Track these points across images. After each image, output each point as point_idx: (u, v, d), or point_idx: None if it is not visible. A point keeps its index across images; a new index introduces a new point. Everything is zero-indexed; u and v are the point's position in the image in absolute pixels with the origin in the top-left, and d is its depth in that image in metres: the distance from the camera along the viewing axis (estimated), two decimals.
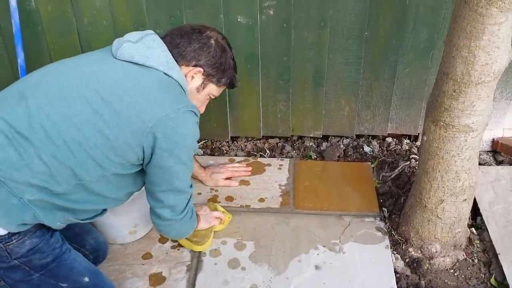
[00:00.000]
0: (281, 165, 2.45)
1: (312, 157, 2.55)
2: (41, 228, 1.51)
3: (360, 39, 2.26)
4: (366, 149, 2.55)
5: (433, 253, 1.93)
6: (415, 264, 1.94)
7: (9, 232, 1.41)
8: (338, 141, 2.61)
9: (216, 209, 2.10)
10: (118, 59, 1.55)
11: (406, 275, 1.93)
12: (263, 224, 2.11)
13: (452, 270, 1.94)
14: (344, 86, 2.40)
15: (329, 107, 2.49)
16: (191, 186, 1.71)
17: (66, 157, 1.42)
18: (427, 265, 1.93)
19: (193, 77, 1.67)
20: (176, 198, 1.67)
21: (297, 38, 2.26)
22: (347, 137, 2.61)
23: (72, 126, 1.42)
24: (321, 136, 2.61)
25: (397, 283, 1.86)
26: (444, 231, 1.90)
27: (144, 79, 1.51)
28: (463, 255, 1.97)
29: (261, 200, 2.24)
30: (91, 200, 1.53)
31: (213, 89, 1.74)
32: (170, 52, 1.60)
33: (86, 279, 1.58)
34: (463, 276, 1.91)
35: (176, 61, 1.60)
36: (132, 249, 2.00)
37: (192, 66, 1.64)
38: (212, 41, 1.66)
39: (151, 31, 1.65)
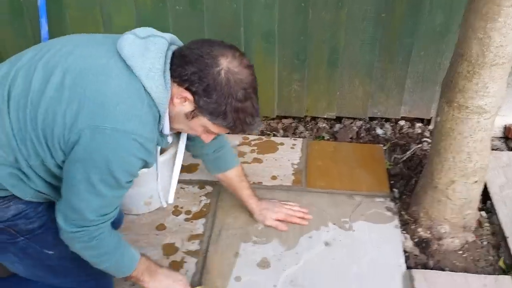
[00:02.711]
0: (294, 144, 2.48)
1: (325, 138, 2.57)
2: None
3: (376, 21, 2.27)
4: (379, 131, 2.57)
5: (442, 234, 1.96)
6: (423, 244, 1.97)
7: None
8: (351, 123, 2.63)
9: None
10: (115, 47, 1.39)
11: (415, 255, 1.96)
12: None
13: (460, 251, 1.96)
14: (359, 68, 2.42)
15: (343, 89, 2.51)
16: (104, 215, 1.44)
17: (13, 132, 1.36)
18: (436, 245, 1.96)
19: (185, 99, 1.39)
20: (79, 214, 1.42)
21: (314, 18, 2.27)
22: (360, 119, 2.64)
23: (28, 105, 1.34)
24: (335, 118, 2.63)
25: (405, 262, 1.89)
26: (454, 212, 1.93)
27: (113, 80, 1.34)
28: (472, 237, 1.99)
29: (274, 178, 2.28)
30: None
31: (207, 124, 1.43)
32: (172, 63, 1.38)
33: None
34: (471, 258, 1.94)
35: (172, 75, 1.37)
36: (146, 220, 2.05)
37: (184, 88, 1.37)
38: (217, 70, 1.35)
39: (166, 37, 1.43)
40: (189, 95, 1.37)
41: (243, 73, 1.38)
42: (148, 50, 1.36)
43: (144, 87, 1.34)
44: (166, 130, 1.46)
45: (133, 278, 1.60)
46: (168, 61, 1.38)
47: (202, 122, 1.42)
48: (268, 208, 2.03)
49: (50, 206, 1.54)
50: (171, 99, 1.39)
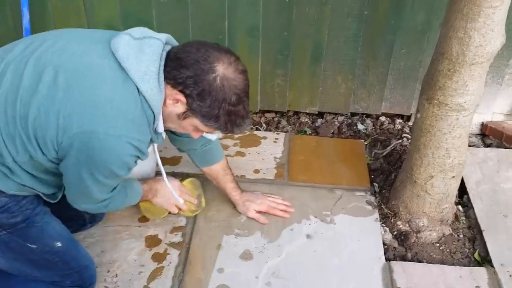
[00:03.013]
0: (276, 138, 2.51)
1: (307, 133, 2.60)
2: None
3: (360, 18, 2.30)
4: (360, 127, 2.61)
5: (421, 227, 2.01)
6: (402, 237, 2.01)
7: None
8: (333, 118, 2.66)
9: (188, 187, 2.04)
10: (109, 47, 1.39)
11: (394, 247, 2.01)
12: None
13: (437, 244, 2.01)
14: (342, 64, 2.46)
15: (326, 84, 2.54)
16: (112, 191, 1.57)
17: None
18: (414, 238, 2.01)
19: (177, 101, 1.41)
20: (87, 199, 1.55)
21: (298, 13, 2.30)
22: (342, 115, 2.67)
23: (17, 101, 1.34)
24: (317, 113, 2.66)
25: (384, 254, 1.94)
26: (432, 206, 1.98)
27: (107, 83, 1.35)
28: (449, 230, 2.05)
29: (256, 171, 2.30)
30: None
31: (198, 125, 1.48)
32: (166, 65, 1.39)
33: (59, 244, 1.58)
34: (448, 250, 1.99)
35: (166, 76, 1.39)
36: (129, 212, 2.05)
37: (178, 90, 1.39)
38: (212, 76, 1.37)
39: (161, 38, 1.43)
40: (182, 98, 1.39)
41: (238, 79, 1.41)
42: (143, 52, 1.37)
43: (138, 90, 1.36)
44: (161, 128, 1.50)
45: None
46: (163, 62, 1.39)
47: (194, 122, 1.47)
48: (251, 200, 2.05)
49: (34, 199, 1.55)
50: (164, 100, 1.42)
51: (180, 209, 1.98)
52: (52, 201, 1.60)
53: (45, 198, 1.57)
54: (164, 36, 1.45)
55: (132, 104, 1.36)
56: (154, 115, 1.43)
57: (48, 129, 1.33)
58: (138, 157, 1.45)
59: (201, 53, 1.38)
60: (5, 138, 1.36)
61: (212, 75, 1.37)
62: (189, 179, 2.06)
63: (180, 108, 1.43)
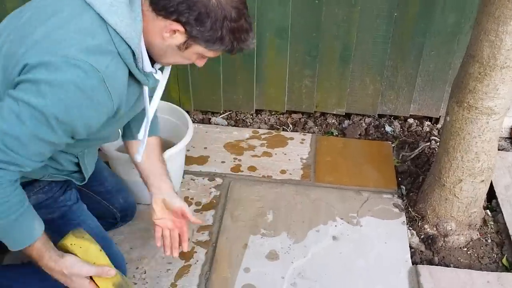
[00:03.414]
0: (303, 139, 2.52)
1: (334, 134, 2.61)
2: (52, 184, 1.53)
3: (389, 19, 2.30)
4: (388, 128, 2.60)
5: (448, 231, 1.99)
6: (429, 241, 2.00)
7: None
8: (360, 120, 2.66)
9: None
10: None
11: (421, 251, 2.00)
12: (283, 194, 2.19)
13: (465, 249, 2.00)
14: (370, 65, 2.45)
15: (354, 86, 2.53)
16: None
17: None
18: (442, 242, 2.00)
19: (174, 32, 1.29)
20: None
21: (327, 14, 2.30)
22: (369, 116, 2.67)
23: None
24: (344, 114, 2.66)
25: (411, 257, 1.93)
26: (460, 210, 1.96)
27: (70, 23, 1.23)
28: (477, 234, 2.03)
29: (283, 171, 2.31)
30: None
31: (203, 51, 1.35)
32: None
33: None
34: (475, 255, 1.98)
35: (155, 8, 1.26)
36: None
37: (172, 20, 1.27)
38: None
39: None
40: (179, 27, 1.27)
41: None
42: None
43: (108, 25, 1.24)
44: (147, 67, 1.36)
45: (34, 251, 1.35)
46: None
47: (197, 50, 1.34)
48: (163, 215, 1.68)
49: (71, 196, 1.57)
50: (160, 33, 1.29)
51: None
52: (80, 183, 1.58)
53: (74, 180, 1.55)
54: None
55: (89, 34, 1.22)
56: (132, 51, 1.28)
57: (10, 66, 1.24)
58: (107, 107, 1.27)
59: None
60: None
61: None
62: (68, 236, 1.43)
63: (179, 38, 1.30)
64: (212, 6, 1.24)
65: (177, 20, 1.26)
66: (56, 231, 1.53)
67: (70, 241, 1.39)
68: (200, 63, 1.43)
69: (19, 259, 1.78)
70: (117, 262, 1.68)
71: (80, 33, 1.22)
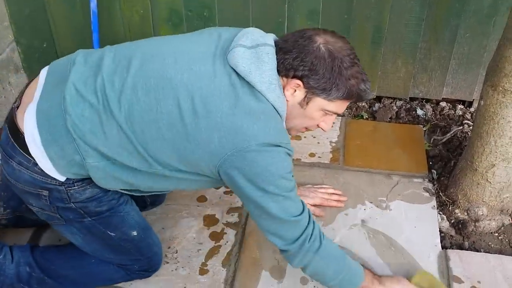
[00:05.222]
0: (333, 122, 2.50)
1: (364, 117, 2.59)
2: None
3: (423, 1, 2.25)
4: (419, 112, 2.57)
5: (480, 216, 1.97)
6: (460, 225, 1.99)
7: (72, 178, 1.47)
8: (391, 103, 2.63)
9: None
10: (227, 63, 1.40)
11: (451, 235, 1.98)
12: (313, 177, 2.19)
13: (496, 234, 1.98)
14: (402, 48, 2.42)
15: (385, 68, 2.51)
16: (300, 214, 1.46)
17: (140, 143, 1.40)
18: (472, 227, 1.98)
19: (295, 90, 1.41)
20: (278, 226, 1.47)
21: None
22: (400, 99, 2.63)
23: (154, 123, 1.37)
24: (375, 97, 2.64)
25: (441, 242, 1.92)
26: (492, 195, 1.94)
27: (241, 100, 1.36)
28: (509, 220, 2.00)
29: (312, 155, 2.31)
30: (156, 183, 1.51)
31: (323, 104, 1.43)
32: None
33: (135, 233, 1.64)
34: (507, 240, 1.95)
35: (278, 71, 1.40)
36: (188, 192, 2.12)
37: (291, 77, 1.40)
38: (315, 46, 1.37)
39: (270, 40, 1.45)
40: (297, 81, 1.39)
41: (341, 42, 1.41)
42: (262, 62, 1.38)
43: (265, 98, 1.37)
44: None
45: None
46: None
47: (317, 103, 1.43)
48: (304, 195, 2.01)
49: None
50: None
51: None
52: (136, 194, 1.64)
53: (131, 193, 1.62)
54: (271, 39, 1.46)
55: (271, 114, 1.38)
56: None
57: (197, 152, 1.37)
58: (290, 155, 1.44)
59: (297, 33, 1.41)
60: (148, 154, 1.41)
61: (314, 45, 1.37)
62: (420, 273, 1.76)
63: (300, 94, 1.42)
64: (322, 54, 1.36)
65: (295, 77, 1.39)
66: (103, 223, 1.59)
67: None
68: (325, 125, 1.52)
69: (57, 238, 1.85)
70: (155, 251, 1.74)
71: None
